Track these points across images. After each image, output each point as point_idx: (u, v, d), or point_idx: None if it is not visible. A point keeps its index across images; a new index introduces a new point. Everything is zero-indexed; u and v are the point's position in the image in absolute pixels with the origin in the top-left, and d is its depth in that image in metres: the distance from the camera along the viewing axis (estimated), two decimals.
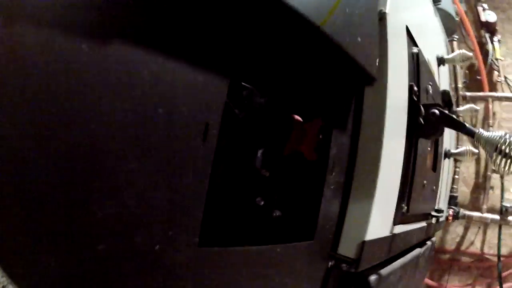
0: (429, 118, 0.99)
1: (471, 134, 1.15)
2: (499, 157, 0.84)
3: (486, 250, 2.50)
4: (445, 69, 1.64)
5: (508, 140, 0.92)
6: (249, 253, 0.56)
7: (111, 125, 0.36)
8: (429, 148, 1.29)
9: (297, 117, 0.78)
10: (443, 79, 1.55)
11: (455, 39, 2.43)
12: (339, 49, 0.62)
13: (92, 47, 0.34)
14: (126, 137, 0.37)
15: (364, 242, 0.72)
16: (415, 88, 1.00)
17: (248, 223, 0.76)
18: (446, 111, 0.98)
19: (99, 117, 0.35)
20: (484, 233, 2.50)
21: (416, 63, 1.08)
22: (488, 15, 2.50)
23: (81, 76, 0.33)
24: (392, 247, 0.90)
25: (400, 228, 0.96)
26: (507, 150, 0.94)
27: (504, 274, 2.40)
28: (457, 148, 1.90)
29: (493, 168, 2.35)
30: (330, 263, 0.77)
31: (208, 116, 0.46)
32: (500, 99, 2.46)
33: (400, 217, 0.96)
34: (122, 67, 0.37)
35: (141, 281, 0.40)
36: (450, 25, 2.10)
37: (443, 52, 1.64)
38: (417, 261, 1.34)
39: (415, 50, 1.10)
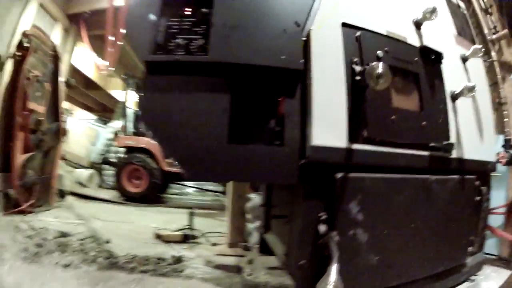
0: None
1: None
2: None
3: None
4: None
5: None
6: None
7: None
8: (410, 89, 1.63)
9: None
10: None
11: None
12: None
13: None
14: None
15: (311, 146, 1.30)
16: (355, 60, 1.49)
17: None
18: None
19: None
20: None
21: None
22: None
23: None
24: (352, 156, 1.37)
25: (363, 147, 1.40)
26: None
27: None
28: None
29: None
30: (303, 161, 1.35)
31: None
32: None
33: (362, 139, 1.41)
34: None
35: None
36: None
37: None
38: (428, 186, 1.58)
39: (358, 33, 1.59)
